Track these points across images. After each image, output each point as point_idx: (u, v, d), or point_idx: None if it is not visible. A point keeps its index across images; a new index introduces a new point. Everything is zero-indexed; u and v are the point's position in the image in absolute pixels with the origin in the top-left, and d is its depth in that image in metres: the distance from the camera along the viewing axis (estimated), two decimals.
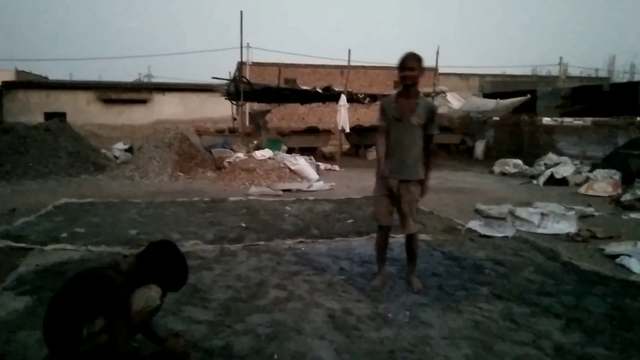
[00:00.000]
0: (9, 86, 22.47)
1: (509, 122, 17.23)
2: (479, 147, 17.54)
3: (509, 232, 5.76)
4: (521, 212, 6.29)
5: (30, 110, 21.55)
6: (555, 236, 5.73)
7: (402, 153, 3.77)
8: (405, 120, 3.71)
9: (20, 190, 8.95)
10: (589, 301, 3.68)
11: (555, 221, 5.99)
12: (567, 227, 5.90)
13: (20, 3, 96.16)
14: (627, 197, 8.00)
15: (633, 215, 7.12)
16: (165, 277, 2.63)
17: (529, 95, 15.24)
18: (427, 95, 15.70)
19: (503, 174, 12.58)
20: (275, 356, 2.75)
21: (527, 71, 32.82)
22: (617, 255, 4.79)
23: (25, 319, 3.16)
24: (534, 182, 10.93)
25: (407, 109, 3.72)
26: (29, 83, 24.33)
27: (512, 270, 4.43)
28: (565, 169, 10.92)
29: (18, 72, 26.14)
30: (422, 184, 3.88)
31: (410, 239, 3.97)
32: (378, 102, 17.98)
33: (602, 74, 32.96)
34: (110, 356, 2.40)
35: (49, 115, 19.79)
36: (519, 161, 12.96)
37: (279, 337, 3.01)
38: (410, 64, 3.65)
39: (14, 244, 4.96)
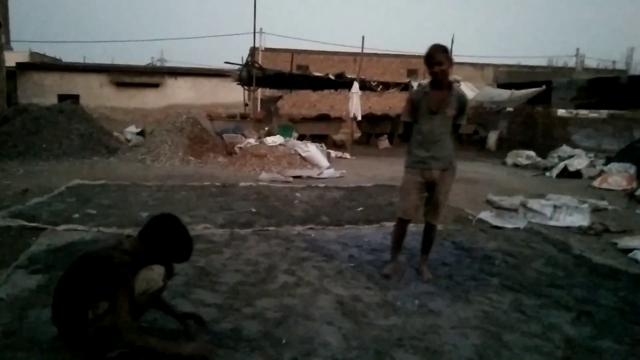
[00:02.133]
0: (23, 67, 22.60)
1: (523, 113, 17.01)
2: (492, 138, 17.36)
3: (521, 224, 5.71)
4: (533, 203, 6.22)
5: (44, 92, 21.67)
6: (568, 229, 5.67)
7: (438, 144, 3.74)
8: (441, 112, 3.69)
9: (33, 170, 9.03)
10: (600, 294, 3.64)
11: (568, 214, 5.93)
12: (579, 220, 5.84)
13: None
14: None
15: None
16: (170, 249, 2.61)
17: (544, 86, 15.00)
18: None
19: (515, 165, 12.46)
20: (284, 340, 2.76)
21: (543, 62, 32.36)
22: (631, 250, 4.74)
23: (37, 297, 3.20)
24: (547, 174, 10.81)
25: (442, 101, 3.68)
26: (43, 65, 24.44)
27: (522, 261, 4.39)
28: (579, 162, 10.78)
29: (32, 54, 26.27)
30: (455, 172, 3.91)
31: (431, 229, 3.96)
32: (391, 91, 17.87)
33: (620, 66, 32.37)
34: (113, 337, 2.41)
35: (62, 98, 19.89)
36: (532, 153, 12.81)
37: (288, 321, 3.01)
38: (438, 58, 3.62)
39: (26, 223, 5.01)
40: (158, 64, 39.73)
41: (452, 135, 3.83)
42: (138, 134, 14.79)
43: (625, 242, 4.99)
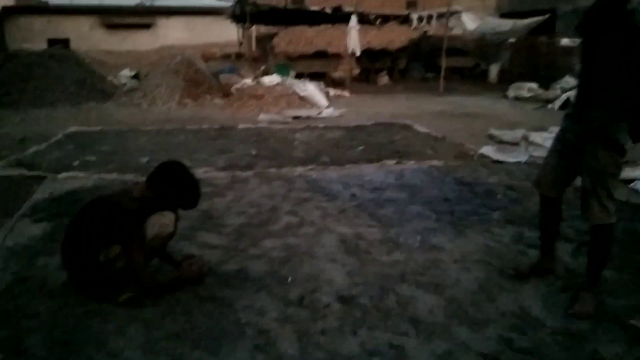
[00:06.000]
0: (9, 11, 21.86)
1: (526, 44, 16.57)
2: (493, 71, 17.02)
3: (522, 158, 5.69)
4: (535, 137, 6.19)
5: (33, 36, 21.07)
6: None
7: (587, 95, 2.51)
8: (598, 48, 2.43)
9: (29, 118, 8.93)
10: None
11: None
12: None
13: None
14: None
15: None
16: (178, 195, 2.63)
17: (547, 15, 14.52)
18: (441, 15, 15.02)
19: (517, 98, 12.28)
20: (289, 279, 2.81)
21: None
22: (632, 180, 4.74)
23: (43, 245, 3.23)
24: (549, 106, 10.67)
25: (602, 30, 2.40)
26: (29, 8, 23.60)
27: (524, 195, 4.40)
28: None
29: None
30: (618, 147, 2.42)
31: (592, 233, 2.57)
32: (390, 24, 17.27)
33: None
34: (129, 280, 2.48)
35: (52, 42, 19.38)
36: (534, 85, 12.59)
37: (292, 260, 3.06)
38: None
39: (27, 172, 5.01)
40: (148, 3, 38.33)
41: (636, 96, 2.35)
42: (132, 77, 14.49)
43: (627, 172, 4.97)
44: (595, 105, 2.45)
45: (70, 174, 4.99)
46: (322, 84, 12.25)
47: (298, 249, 3.23)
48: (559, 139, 2.69)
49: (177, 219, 2.71)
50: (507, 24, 15.68)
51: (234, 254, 3.15)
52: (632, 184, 4.68)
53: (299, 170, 5.25)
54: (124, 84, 13.68)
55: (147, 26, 23.19)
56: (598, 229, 2.52)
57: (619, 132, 2.40)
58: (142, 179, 2.77)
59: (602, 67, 2.41)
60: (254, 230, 3.57)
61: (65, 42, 19.31)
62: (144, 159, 5.68)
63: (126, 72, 15.01)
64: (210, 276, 2.81)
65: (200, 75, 11.82)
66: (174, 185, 2.60)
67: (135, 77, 14.51)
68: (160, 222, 2.59)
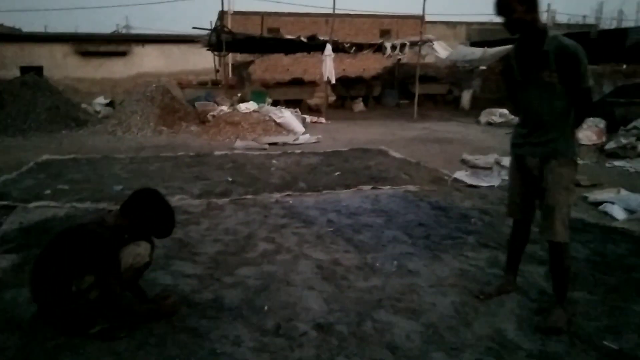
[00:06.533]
0: None
1: (496, 71, 17.06)
2: (466, 97, 17.45)
3: (495, 182, 5.80)
4: (507, 161, 6.30)
5: (5, 64, 20.78)
6: None
7: (540, 123, 2.63)
8: (534, 78, 2.58)
9: (0, 146, 8.74)
10: (572, 247, 3.70)
11: None
12: None
13: None
14: (611, 145, 8.07)
15: (616, 163, 7.22)
16: (152, 224, 2.61)
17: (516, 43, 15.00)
18: (414, 44, 15.40)
19: (489, 123, 12.59)
20: (266, 307, 2.78)
21: None
22: (600, 203, 4.87)
23: (12, 277, 3.13)
24: None
25: (532, 63, 2.58)
26: (1, 35, 23.34)
27: (498, 219, 4.48)
28: None
29: None
30: (573, 163, 2.62)
31: (554, 252, 2.65)
32: (364, 52, 17.64)
33: (590, 21, 32.58)
34: (102, 311, 2.42)
35: (24, 70, 19.12)
36: (505, 111, 12.93)
37: (269, 288, 3.03)
38: (505, 2, 2.51)
39: None
40: (124, 31, 38.32)
41: (575, 109, 2.58)
42: (107, 105, 14.42)
43: (596, 195, 5.13)
44: (547, 129, 2.60)
45: (41, 203, 4.88)
46: (298, 111, 12.34)
47: (274, 277, 3.20)
48: (517, 167, 2.82)
49: (152, 249, 2.68)
50: (477, 52, 16.14)
51: (209, 282, 3.11)
52: (600, 207, 4.80)
53: (276, 196, 5.25)
54: (98, 112, 13.58)
55: (123, 54, 23.07)
56: (558, 247, 2.60)
57: (572, 146, 2.61)
58: (116, 207, 2.73)
59: (545, 94, 2.56)
60: (230, 258, 3.53)
61: (38, 70, 19.08)
62: (118, 187, 5.61)
63: (100, 100, 14.93)
64: (185, 306, 2.76)
65: (176, 103, 11.81)
66: (149, 213, 2.58)
67: (110, 104, 14.43)
68: (136, 252, 2.55)
